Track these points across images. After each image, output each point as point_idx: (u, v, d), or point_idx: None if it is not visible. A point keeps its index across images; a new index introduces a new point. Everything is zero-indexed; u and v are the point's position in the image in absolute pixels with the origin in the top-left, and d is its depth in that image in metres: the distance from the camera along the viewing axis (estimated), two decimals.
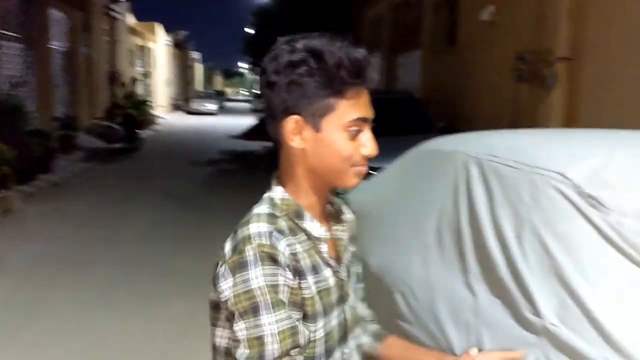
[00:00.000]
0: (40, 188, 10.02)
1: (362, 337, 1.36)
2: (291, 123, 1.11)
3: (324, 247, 1.17)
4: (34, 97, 13.54)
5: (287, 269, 1.05)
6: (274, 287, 1.03)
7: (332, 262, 1.18)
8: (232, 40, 31.49)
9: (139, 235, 7.07)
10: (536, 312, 1.65)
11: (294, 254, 1.08)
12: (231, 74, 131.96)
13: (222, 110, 44.62)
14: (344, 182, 1.15)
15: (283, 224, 1.12)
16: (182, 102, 43.89)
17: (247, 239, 1.05)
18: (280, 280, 1.04)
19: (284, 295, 1.04)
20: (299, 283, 1.08)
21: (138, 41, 29.94)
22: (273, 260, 1.03)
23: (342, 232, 1.28)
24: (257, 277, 1.02)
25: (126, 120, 17.19)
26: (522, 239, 1.86)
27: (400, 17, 14.76)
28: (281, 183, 1.19)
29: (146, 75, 30.71)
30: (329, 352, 1.15)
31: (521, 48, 7.55)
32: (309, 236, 1.15)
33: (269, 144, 18.78)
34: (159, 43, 36.88)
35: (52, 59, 15.18)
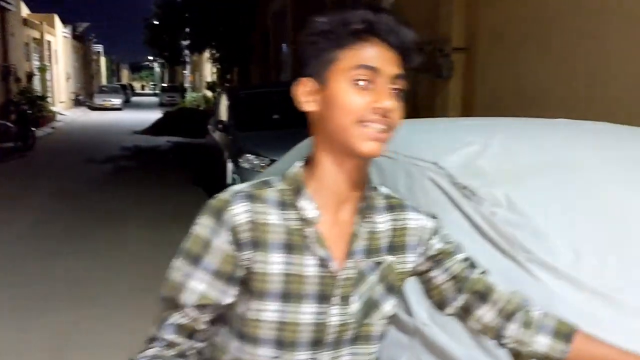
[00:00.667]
0: None
1: (534, 336, 1.11)
2: (301, 85, 1.05)
3: (310, 231, 1.04)
4: None
5: (231, 230, 1.01)
6: (206, 243, 1.02)
7: (320, 252, 1.04)
8: (138, 33, 30.34)
9: (16, 237, 6.64)
10: (409, 311, 1.57)
11: (255, 222, 1.01)
12: (139, 68, 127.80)
13: (128, 104, 43.02)
14: (357, 146, 0.99)
15: (272, 195, 1.05)
16: (85, 97, 41.92)
17: (221, 192, 1.05)
18: (214, 239, 1.01)
19: (213, 256, 1.01)
20: (253, 254, 1.01)
21: (34, 33, 28.17)
22: (217, 215, 1.02)
23: (370, 228, 1.10)
24: (199, 224, 1.04)
25: (20, 117, 16.10)
26: None
27: (302, 8, 14.70)
28: (308, 158, 1.09)
29: (43, 69, 28.98)
30: (282, 344, 1.03)
31: (419, 38, 7.62)
32: (300, 215, 1.04)
33: (175, 138, 18.26)
34: (57, 35, 34.93)
35: None
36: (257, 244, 1.02)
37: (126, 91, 48.27)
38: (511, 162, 1.81)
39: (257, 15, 19.40)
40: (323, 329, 1.04)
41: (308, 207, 1.04)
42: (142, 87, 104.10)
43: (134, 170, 12.40)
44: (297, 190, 1.06)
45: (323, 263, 1.04)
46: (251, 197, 1.03)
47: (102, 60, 68.65)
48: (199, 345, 1.08)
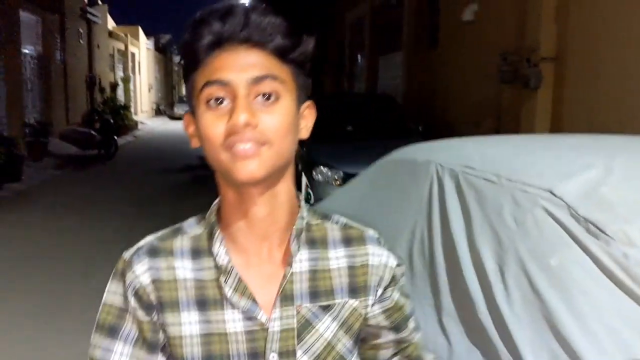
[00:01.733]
0: (6, 198, 9.57)
1: None
2: (185, 120, 0.93)
3: (227, 280, 0.88)
4: (2, 103, 13.06)
5: (134, 293, 0.88)
6: (116, 310, 0.90)
7: (242, 302, 0.88)
8: None
9: (97, 242, 6.76)
10: None
11: (159, 281, 0.89)
12: None
13: None
14: (233, 175, 0.83)
15: (184, 242, 0.93)
16: (166, 107, 43.38)
17: (126, 250, 0.94)
18: (123, 305, 0.89)
19: (128, 323, 0.89)
20: (162, 316, 0.88)
21: (118, 45, 29.45)
22: (122, 277, 0.90)
23: (309, 266, 0.93)
24: (108, 291, 0.92)
25: (103, 125, 16.71)
26: (505, 273, 1.52)
27: (381, 19, 14.48)
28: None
29: (127, 79, 30.21)
30: None
31: (504, 48, 7.25)
32: (215, 263, 0.90)
33: None
34: (141, 47, 36.37)
35: (23, 63, 14.69)
36: (165, 305, 0.89)
37: None
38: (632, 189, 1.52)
39: (333, 25, 19.35)
40: None
41: (220, 252, 0.90)
42: None
43: (209, 180, 12.51)
44: (210, 232, 0.93)
45: (247, 315, 0.88)
46: (155, 252, 0.91)
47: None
48: None
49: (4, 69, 13.20)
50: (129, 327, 0.89)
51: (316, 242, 0.95)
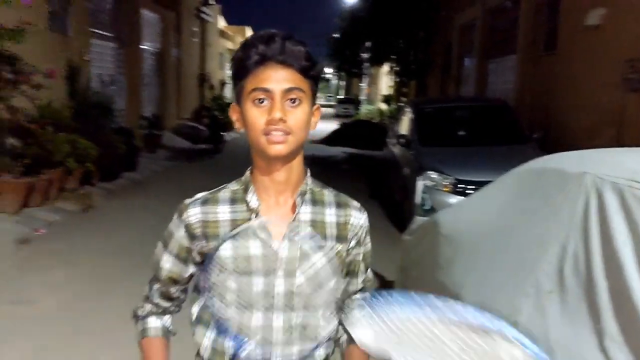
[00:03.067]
0: (122, 186, 10.13)
1: (343, 336, 1.49)
2: (232, 110, 1.35)
3: (255, 218, 1.31)
4: (123, 96, 13.86)
5: (185, 227, 1.35)
6: (171, 234, 1.39)
7: (261, 234, 1.30)
8: (319, 46, 31.59)
9: None
10: None
11: (205, 222, 1.33)
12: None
13: None
14: (266, 151, 1.26)
15: (226, 195, 1.37)
16: None
17: (188, 199, 1.40)
18: (176, 232, 1.37)
19: (174, 244, 1.38)
20: (207, 244, 1.33)
21: (227, 44, 30.50)
22: (179, 215, 1.37)
23: (311, 217, 1.35)
24: (172, 220, 1.40)
25: (212, 121, 17.35)
26: None
27: (494, 21, 14.02)
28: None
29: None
30: (241, 306, 1.31)
31: (631, 54, 6.78)
32: (248, 207, 1.33)
33: (350, 149, 18.48)
34: None
35: (143, 59, 15.52)
36: (209, 237, 1.33)
37: None
38: None
39: (438, 28, 18.99)
40: (272, 297, 1.30)
41: (251, 199, 1.34)
42: (322, 99, 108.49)
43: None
44: (246, 188, 1.36)
45: (265, 244, 1.30)
46: (205, 202, 1.36)
47: None
48: (177, 305, 1.49)
49: (126, 64, 14.01)
50: (173, 246, 1.39)
51: (317, 202, 1.38)
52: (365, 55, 23.88)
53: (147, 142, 13.40)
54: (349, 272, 1.43)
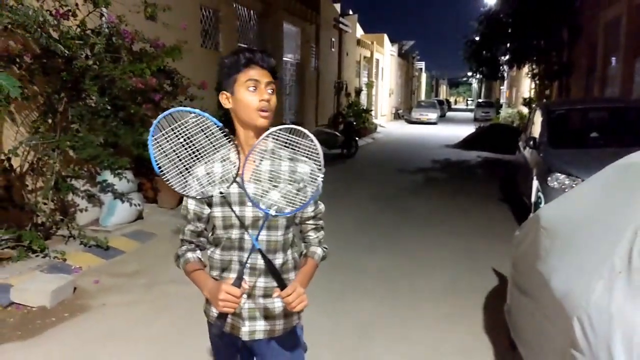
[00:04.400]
0: None
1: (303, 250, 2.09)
2: (221, 95, 1.94)
3: (233, 168, 1.87)
4: None
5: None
6: None
7: (237, 179, 1.86)
8: (458, 49, 31.09)
9: (343, 232, 7.40)
10: None
11: (209, 173, 1.93)
12: (457, 83, 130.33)
13: (443, 119, 44.24)
14: (256, 122, 1.89)
15: (222, 153, 1.90)
16: (404, 111, 44.59)
17: None
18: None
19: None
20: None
21: (364, 52, 31.19)
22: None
23: (269, 166, 1.91)
24: None
25: (346, 128, 18.03)
26: None
27: None
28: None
29: (370, 85, 31.86)
30: (226, 227, 1.95)
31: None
32: (230, 161, 1.90)
33: (485, 154, 18.21)
34: (385, 54, 37.97)
35: (285, 70, 16.56)
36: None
37: (442, 106, 49.52)
38: None
39: (583, 27, 18.09)
40: (244, 219, 1.92)
41: (232, 155, 1.88)
42: (455, 102, 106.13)
43: (442, 182, 12.78)
44: (229, 150, 1.89)
45: (239, 185, 1.87)
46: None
47: (423, 77, 72.11)
48: (204, 243, 2.07)
49: None
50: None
51: (277, 156, 1.93)
52: (504, 58, 23.28)
53: None
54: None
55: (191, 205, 1.99)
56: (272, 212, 1.81)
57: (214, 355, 2.21)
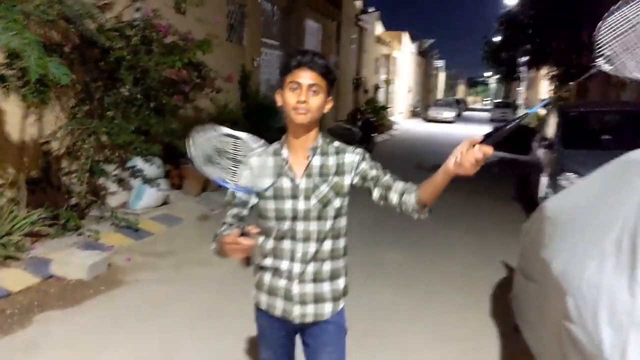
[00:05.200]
0: None
1: (410, 196, 2.06)
2: (277, 93, 2.10)
3: (285, 163, 2.08)
4: None
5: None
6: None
7: (289, 174, 2.08)
8: (477, 49, 31.16)
9: (358, 227, 7.67)
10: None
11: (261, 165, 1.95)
12: (475, 83, 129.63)
13: (460, 118, 44.24)
14: (293, 119, 2.01)
15: (272, 149, 2.04)
16: (422, 109, 44.71)
17: None
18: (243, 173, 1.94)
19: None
20: None
21: (383, 50, 31.39)
22: (245, 163, 1.87)
23: (320, 162, 2.09)
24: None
25: (364, 124, 18.31)
26: None
27: None
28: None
29: (388, 82, 32.07)
30: (279, 218, 2.09)
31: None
32: (282, 157, 2.09)
33: (502, 153, 18.34)
34: (403, 52, 38.11)
35: None
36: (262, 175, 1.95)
37: (459, 105, 49.49)
38: None
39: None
40: (296, 211, 2.08)
41: (284, 152, 2.10)
42: (474, 102, 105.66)
43: (459, 181, 12.91)
44: (282, 144, 2.12)
45: (292, 180, 2.07)
46: (259, 153, 1.87)
47: (441, 75, 72.03)
48: (245, 225, 1.96)
49: None
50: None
51: (323, 153, 2.11)
52: (523, 59, 23.40)
53: None
54: (372, 178, 2.12)
55: (238, 193, 2.09)
56: (317, 204, 2.05)
57: (260, 341, 2.35)
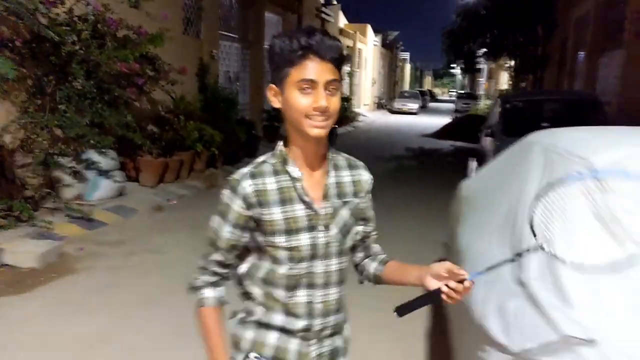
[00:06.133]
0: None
1: (372, 264, 1.77)
2: (270, 90, 1.55)
3: (299, 185, 1.56)
4: (247, 92, 15.43)
5: (242, 198, 1.53)
6: (228, 206, 1.55)
7: (306, 198, 1.56)
8: (441, 41, 31.54)
9: None
10: (522, 268, 1.96)
11: (258, 191, 1.53)
12: (441, 75, 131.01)
13: (425, 110, 44.89)
14: (307, 132, 1.48)
15: (268, 168, 1.57)
16: (387, 100, 45.18)
17: (235, 174, 1.59)
18: (233, 204, 1.54)
19: (232, 214, 1.55)
20: (261, 210, 1.53)
21: (347, 42, 31.65)
22: (233, 190, 1.54)
23: (335, 180, 1.63)
24: (224, 194, 1.57)
25: None
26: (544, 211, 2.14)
27: (607, 13, 13.84)
28: (285, 139, 1.61)
29: (351, 74, 32.37)
30: (293, 259, 1.56)
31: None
32: (291, 176, 1.56)
33: (459, 143, 18.88)
34: (368, 44, 38.46)
35: (265, 58, 16.96)
36: (263, 204, 1.53)
37: (424, 97, 50.18)
38: None
39: (557, 22, 18.75)
40: (315, 247, 1.57)
41: (293, 170, 1.56)
42: (442, 93, 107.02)
43: (414, 169, 13.40)
44: (284, 161, 1.57)
45: (308, 206, 1.55)
46: (253, 175, 1.54)
47: (407, 67, 72.70)
48: (230, 272, 1.66)
49: (250, 63, 15.57)
50: (232, 216, 1.56)
51: (337, 167, 1.65)
52: (481, 51, 23.92)
53: (267, 133, 14.83)
54: (364, 218, 1.73)
55: (226, 230, 1.58)
56: (338, 235, 1.61)
57: None
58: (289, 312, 1.59)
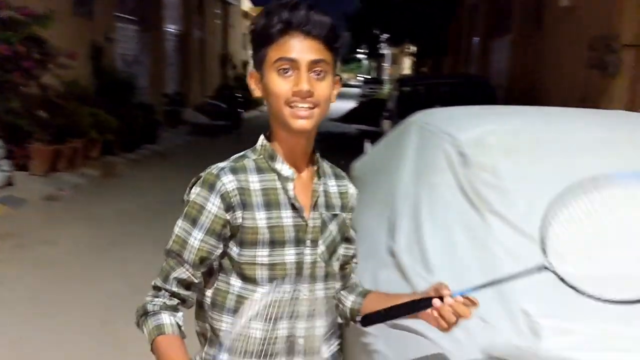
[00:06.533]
0: (144, 155, 11.27)
1: (349, 297, 1.46)
2: (250, 76, 1.30)
3: (290, 186, 1.29)
4: (146, 75, 14.95)
5: (220, 197, 1.23)
6: (200, 207, 1.25)
7: (297, 204, 1.28)
8: (348, 25, 31.68)
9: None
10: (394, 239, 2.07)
11: (241, 189, 1.25)
12: (349, 60, 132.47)
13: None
14: (289, 124, 1.22)
15: (250, 163, 1.29)
16: None
17: (208, 169, 1.30)
18: (208, 205, 1.24)
19: (206, 218, 1.24)
20: (242, 213, 1.24)
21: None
22: (211, 187, 1.24)
23: (323, 188, 1.36)
24: (196, 194, 1.26)
25: (230, 99, 18.38)
26: (417, 188, 2.26)
27: (495, 2, 14.57)
28: (268, 132, 1.34)
29: None
30: (273, 279, 1.27)
31: (593, 34, 7.45)
32: (279, 176, 1.29)
33: (364, 126, 19.24)
34: None
35: (166, 40, 16.55)
36: (246, 205, 1.24)
37: None
38: (515, 140, 2.18)
39: (455, 9, 19.53)
40: (301, 267, 1.29)
41: (283, 167, 1.29)
42: (350, 78, 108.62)
43: (322, 153, 13.52)
44: (270, 157, 1.30)
45: (298, 214, 1.28)
46: (235, 170, 1.27)
47: None
48: (195, 294, 1.32)
49: (149, 45, 15.07)
50: (205, 220, 1.24)
51: (323, 174, 1.37)
52: (384, 36, 24.53)
53: (168, 118, 14.48)
54: (347, 238, 1.43)
55: (197, 237, 1.26)
56: (325, 253, 1.34)
57: None
58: (266, 353, 1.29)
